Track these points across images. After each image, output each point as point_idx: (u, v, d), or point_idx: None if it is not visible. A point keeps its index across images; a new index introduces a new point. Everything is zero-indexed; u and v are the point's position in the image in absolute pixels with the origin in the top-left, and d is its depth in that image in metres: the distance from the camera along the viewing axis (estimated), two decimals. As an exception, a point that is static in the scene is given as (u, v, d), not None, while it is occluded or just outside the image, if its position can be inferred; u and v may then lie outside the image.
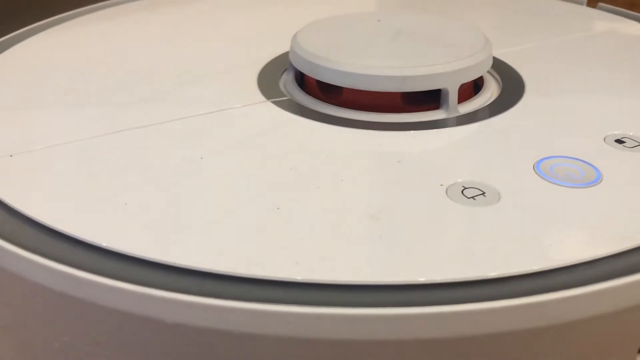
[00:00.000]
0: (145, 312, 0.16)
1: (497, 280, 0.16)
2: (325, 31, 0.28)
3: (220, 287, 0.16)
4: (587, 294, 0.16)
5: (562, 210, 0.19)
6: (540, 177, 0.21)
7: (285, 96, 0.27)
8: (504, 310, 0.15)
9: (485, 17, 0.38)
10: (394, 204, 0.19)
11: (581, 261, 0.17)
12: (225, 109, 0.25)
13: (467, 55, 0.25)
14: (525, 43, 0.32)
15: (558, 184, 0.20)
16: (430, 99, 0.25)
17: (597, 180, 0.20)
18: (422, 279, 0.16)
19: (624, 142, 0.23)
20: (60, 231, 0.18)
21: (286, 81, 0.28)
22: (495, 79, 0.28)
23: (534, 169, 0.21)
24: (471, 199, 0.19)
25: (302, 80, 0.28)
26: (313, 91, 0.27)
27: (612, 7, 0.37)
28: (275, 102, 0.26)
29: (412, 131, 0.24)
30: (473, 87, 0.27)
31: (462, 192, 0.20)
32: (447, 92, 0.25)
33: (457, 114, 0.25)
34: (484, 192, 0.20)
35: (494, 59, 0.28)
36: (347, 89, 0.25)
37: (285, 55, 0.29)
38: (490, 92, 0.27)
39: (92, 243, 0.18)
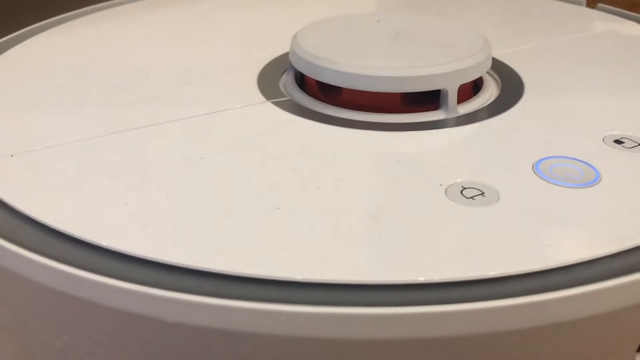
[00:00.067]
0: (146, 312, 0.16)
1: (497, 280, 0.16)
2: (325, 32, 0.28)
3: (220, 286, 0.16)
4: (586, 293, 0.16)
5: (561, 211, 0.19)
6: (540, 177, 0.21)
7: (285, 97, 0.27)
8: (504, 309, 0.15)
9: (484, 17, 0.38)
10: (393, 204, 0.19)
11: (580, 261, 0.17)
12: (225, 109, 0.25)
13: (467, 56, 0.25)
14: (525, 43, 0.32)
15: (557, 184, 0.20)
16: (430, 99, 0.25)
17: (595, 180, 0.21)
18: (421, 278, 0.16)
19: (622, 142, 0.23)
20: (61, 231, 0.18)
21: (286, 81, 0.28)
22: (495, 79, 0.28)
23: (533, 169, 0.21)
24: (470, 199, 0.20)
25: (302, 81, 0.28)
26: (313, 92, 0.27)
27: (611, 7, 0.37)
28: (275, 103, 0.26)
29: (411, 131, 0.24)
30: (472, 88, 0.27)
31: (462, 192, 0.20)
32: (446, 93, 0.25)
33: (457, 115, 0.25)
34: (483, 192, 0.20)
35: (494, 59, 0.28)
36: (347, 89, 0.25)
37: (285, 56, 0.29)
38: (490, 93, 0.27)
39: (93, 243, 0.18)
